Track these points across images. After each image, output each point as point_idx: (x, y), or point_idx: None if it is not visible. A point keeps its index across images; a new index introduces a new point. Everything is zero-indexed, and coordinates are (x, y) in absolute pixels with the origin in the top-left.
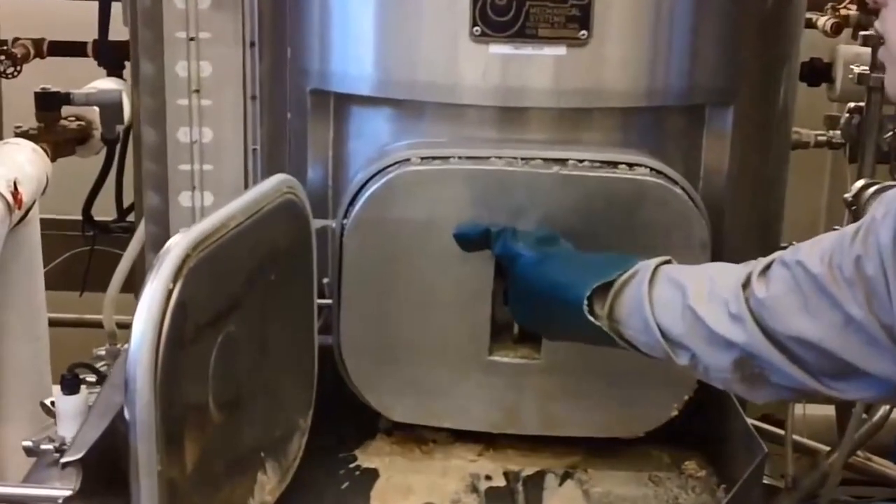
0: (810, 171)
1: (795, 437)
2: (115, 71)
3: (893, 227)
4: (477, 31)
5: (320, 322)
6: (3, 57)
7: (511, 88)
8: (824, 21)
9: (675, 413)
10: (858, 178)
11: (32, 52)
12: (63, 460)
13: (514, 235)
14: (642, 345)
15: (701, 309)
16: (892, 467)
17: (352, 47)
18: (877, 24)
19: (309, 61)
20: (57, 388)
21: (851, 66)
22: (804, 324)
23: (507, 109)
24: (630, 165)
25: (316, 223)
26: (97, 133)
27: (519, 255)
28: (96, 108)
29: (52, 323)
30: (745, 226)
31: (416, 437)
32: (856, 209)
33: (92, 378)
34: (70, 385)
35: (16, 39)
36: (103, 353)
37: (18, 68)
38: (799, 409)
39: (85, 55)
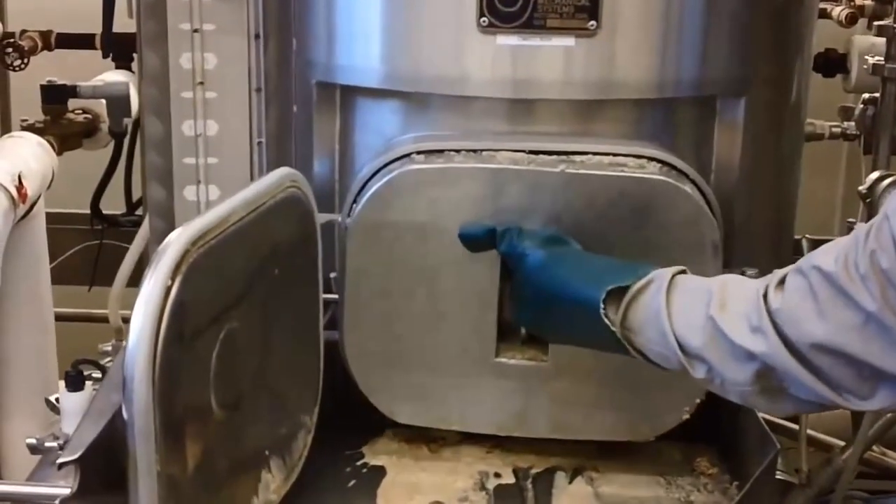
0: (826, 163)
1: (810, 431)
2: (123, 63)
3: None
4: (484, 21)
5: (327, 317)
6: (10, 49)
7: (519, 80)
8: (839, 11)
9: (686, 416)
10: (873, 170)
11: (40, 44)
12: (59, 461)
13: (521, 234)
14: (655, 355)
15: (721, 320)
16: None
17: (358, 39)
18: None
19: (315, 53)
20: (63, 385)
21: (866, 57)
22: (821, 329)
23: (515, 101)
24: (640, 160)
25: (321, 217)
26: (104, 126)
27: (525, 254)
28: (103, 101)
29: (61, 318)
30: (757, 218)
31: (424, 434)
32: (870, 201)
33: (97, 374)
34: (74, 382)
35: (23, 32)
36: (109, 348)
37: (26, 61)
38: None
39: (93, 47)
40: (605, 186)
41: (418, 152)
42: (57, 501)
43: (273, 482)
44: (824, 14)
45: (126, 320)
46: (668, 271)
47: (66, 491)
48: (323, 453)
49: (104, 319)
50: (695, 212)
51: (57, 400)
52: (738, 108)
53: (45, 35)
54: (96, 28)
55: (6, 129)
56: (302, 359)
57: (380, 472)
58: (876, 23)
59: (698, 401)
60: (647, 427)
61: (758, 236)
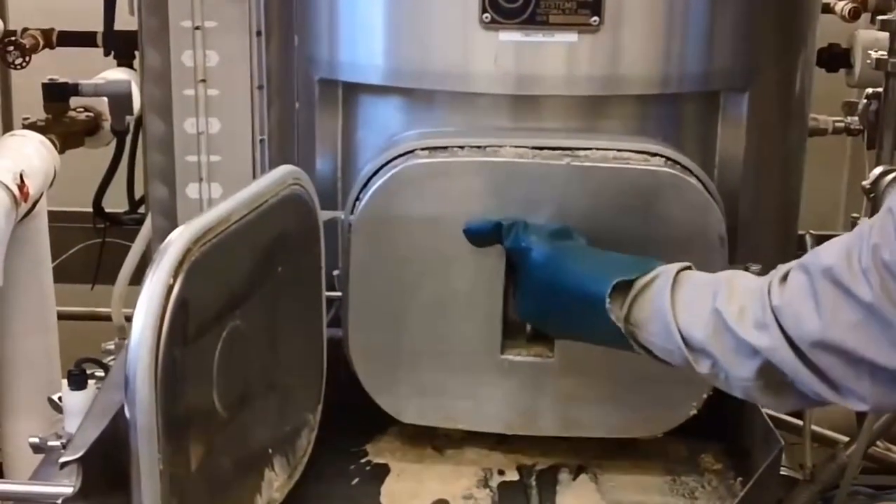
0: (830, 158)
1: (814, 427)
2: (125, 61)
3: None
4: (486, 17)
5: (330, 315)
6: (11, 47)
7: (522, 76)
8: (842, 6)
9: (693, 412)
10: (877, 164)
11: (41, 42)
12: (62, 460)
13: (526, 229)
14: (660, 350)
15: (728, 313)
16: None
17: (360, 35)
18: None
19: (317, 50)
20: (65, 383)
21: (870, 52)
22: (820, 326)
23: (518, 97)
24: (644, 155)
25: (324, 215)
26: (106, 124)
27: (531, 248)
28: (105, 99)
29: (64, 316)
30: (761, 214)
31: (427, 432)
32: (874, 196)
33: (100, 373)
34: (77, 381)
35: (25, 30)
36: (112, 347)
37: (27, 59)
38: None
39: (95, 45)
40: (611, 179)
41: (422, 148)
42: (60, 500)
43: (276, 480)
44: (828, 9)
45: (129, 319)
46: (674, 267)
47: (69, 490)
48: (326, 451)
49: (107, 318)
50: (702, 204)
51: (60, 399)
52: (742, 103)
53: (46, 33)
54: (98, 26)
55: (8, 127)
56: (305, 356)
57: (383, 469)
58: (879, 17)
59: (706, 395)
60: (656, 423)
61: (761, 232)
